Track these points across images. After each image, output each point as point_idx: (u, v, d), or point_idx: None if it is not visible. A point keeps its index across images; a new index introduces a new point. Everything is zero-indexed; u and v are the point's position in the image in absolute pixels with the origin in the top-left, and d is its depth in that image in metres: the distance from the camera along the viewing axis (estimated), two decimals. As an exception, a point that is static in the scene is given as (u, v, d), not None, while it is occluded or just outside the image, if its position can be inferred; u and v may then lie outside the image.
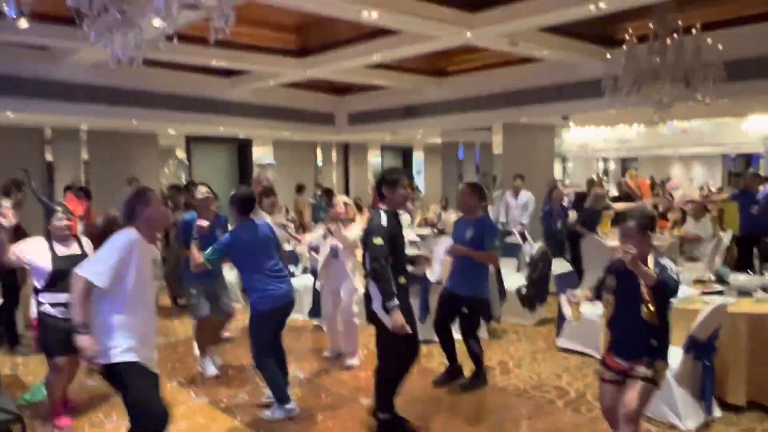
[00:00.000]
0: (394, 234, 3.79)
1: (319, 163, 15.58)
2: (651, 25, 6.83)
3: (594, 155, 23.53)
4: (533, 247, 7.67)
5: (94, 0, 2.85)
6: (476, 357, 4.82)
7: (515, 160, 11.11)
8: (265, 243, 4.27)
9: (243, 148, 14.27)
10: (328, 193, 11.48)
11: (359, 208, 5.81)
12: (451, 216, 8.53)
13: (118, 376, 2.91)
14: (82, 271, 2.83)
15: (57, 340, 4.01)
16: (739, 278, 5.01)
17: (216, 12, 2.94)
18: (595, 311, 5.32)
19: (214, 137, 13.36)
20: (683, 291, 4.80)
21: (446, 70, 11.00)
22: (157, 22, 3.42)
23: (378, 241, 3.69)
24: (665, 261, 3.04)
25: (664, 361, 3.11)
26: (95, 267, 2.85)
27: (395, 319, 3.64)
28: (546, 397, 4.63)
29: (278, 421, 4.23)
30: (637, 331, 3.06)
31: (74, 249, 4.23)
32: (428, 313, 5.51)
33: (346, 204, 5.49)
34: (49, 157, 10.83)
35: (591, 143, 17.51)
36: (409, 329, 3.68)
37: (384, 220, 3.79)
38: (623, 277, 3.06)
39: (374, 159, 17.77)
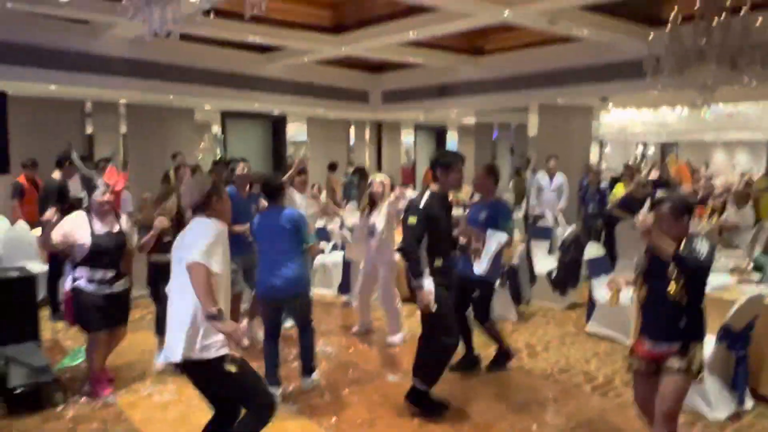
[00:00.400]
0: (434, 215, 3.74)
1: (352, 141, 15.58)
2: (697, 4, 6.59)
3: (633, 140, 23.01)
4: (566, 231, 7.58)
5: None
6: (496, 337, 4.81)
7: (551, 143, 10.91)
8: (275, 233, 4.23)
9: (277, 125, 14.34)
10: (361, 172, 11.48)
11: (392, 187, 5.80)
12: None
13: (216, 370, 2.79)
14: (198, 258, 2.68)
15: (93, 315, 4.14)
16: (778, 268, 4.87)
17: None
18: (626, 296, 5.25)
19: (249, 113, 13.44)
20: (719, 279, 4.70)
21: (482, 48, 10.82)
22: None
23: (412, 220, 3.68)
24: (697, 241, 2.90)
25: (700, 343, 2.99)
26: (208, 254, 2.72)
27: (420, 298, 3.66)
28: (573, 381, 4.61)
29: None
30: (667, 312, 2.97)
31: (113, 226, 4.27)
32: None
33: (382, 182, 5.50)
34: (89, 129, 11.07)
35: (630, 127, 17.08)
36: (432, 307, 3.67)
37: (424, 200, 3.76)
38: (654, 256, 3.01)
39: (407, 138, 17.69)
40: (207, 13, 4.47)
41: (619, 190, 8.96)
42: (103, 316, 4.20)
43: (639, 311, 3.21)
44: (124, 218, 4.44)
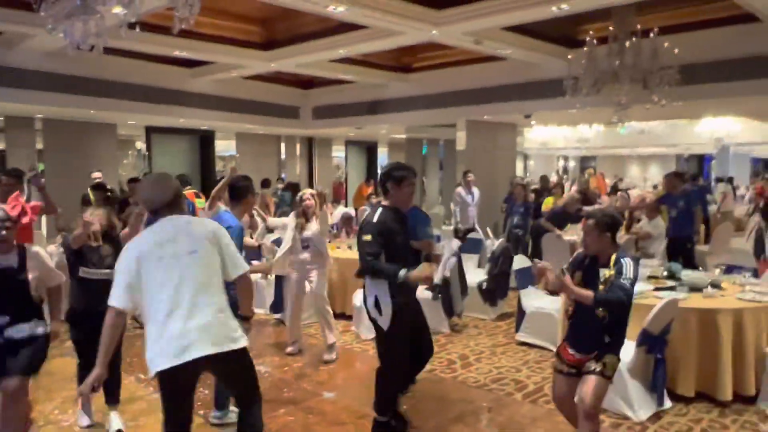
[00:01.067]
0: (389, 230, 3.63)
1: (283, 156, 15.47)
2: (611, 27, 7.02)
3: (555, 153, 24.05)
4: (494, 243, 7.79)
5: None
6: None
7: (478, 157, 11.24)
8: None
9: (205, 140, 14.05)
10: (293, 188, 11.40)
11: (323, 201, 5.81)
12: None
13: (247, 357, 2.89)
14: (246, 267, 2.93)
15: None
16: (690, 275, 5.21)
17: (181, 1, 2.90)
18: (553, 305, 5.46)
19: (175, 128, 13.11)
20: (637, 286, 4.97)
21: (411, 66, 11.06)
22: (118, 9, 3.34)
23: (366, 237, 3.58)
24: (625, 261, 3.09)
25: (615, 356, 3.20)
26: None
27: (413, 278, 3.52)
28: (505, 390, 4.73)
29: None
30: (593, 327, 3.16)
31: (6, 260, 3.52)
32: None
33: (313, 194, 5.57)
34: (1, 145, 10.48)
35: (552, 142, 17.85)
36: (433, 276, 3.55)
37: (377, 216, 3.67)
38: (586, 272, 3.18)
39: (338, 153, 17.75)
40: (132, 26, 4.32)
41: (549, 203, 9.34)
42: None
43: (565, 322, 3.37)
44: (36, 250, 3.73)
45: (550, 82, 8.76)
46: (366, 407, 4.02)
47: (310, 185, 15.03)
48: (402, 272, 3.45)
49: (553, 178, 15.98)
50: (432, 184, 18.00)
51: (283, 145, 15.41)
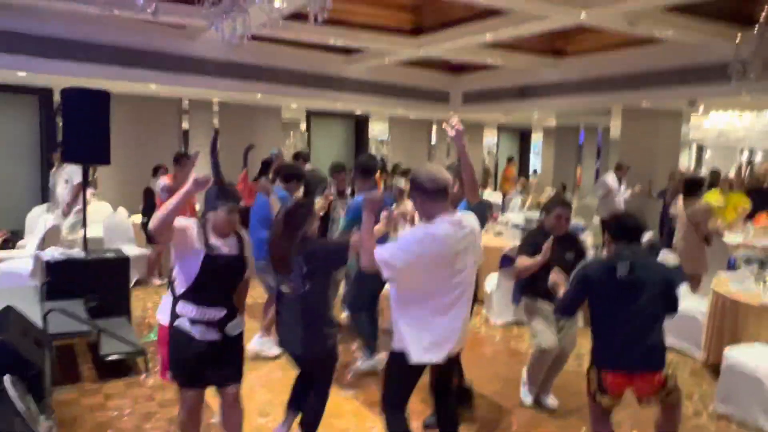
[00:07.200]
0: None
1: (434, 141, 15.73)
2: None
3: (736, 144, 21.57)
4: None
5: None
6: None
7: (635, 147, 10.60)
8: None
9: (360, 124, 14.77)
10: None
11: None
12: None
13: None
14: None
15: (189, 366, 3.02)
16: None
17: (312, 3, 3.21)
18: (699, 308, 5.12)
19: (333, 112, 13.95)
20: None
21: (564, 50, 10.66)
22: (266, 8, 3.74)
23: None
24: None
25: None
26: None
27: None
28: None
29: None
30: None
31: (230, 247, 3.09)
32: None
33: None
34: (185, 125, 11.94)
35: (730, 131, 16.08)
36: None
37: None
38: None
39: (490, 139, 17.62)
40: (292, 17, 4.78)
41: (713, 197, 8.48)
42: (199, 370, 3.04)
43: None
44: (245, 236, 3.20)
45: (716, 66, 7.99)
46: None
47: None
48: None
49: (732, 173, 14.45)
50: (588, 174, 17.20)
51: (435, 129, 15.67)
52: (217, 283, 2.92)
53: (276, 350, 4.82)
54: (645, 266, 3.09)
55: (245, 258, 3.06)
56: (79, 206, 6.35)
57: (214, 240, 2.94)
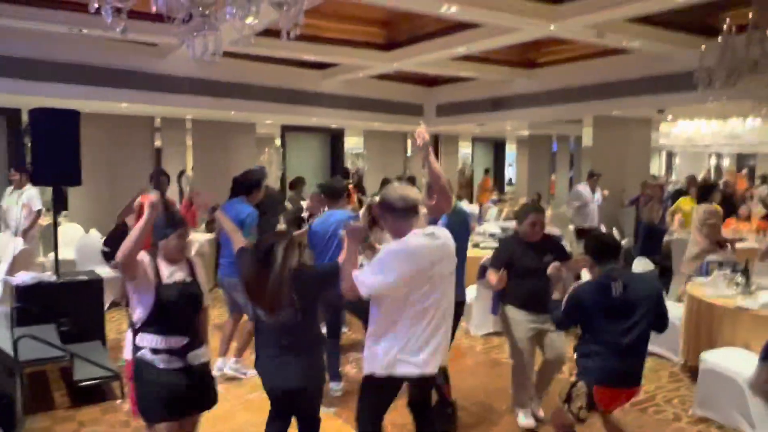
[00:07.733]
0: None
1: (409, 152, 15.79)
2: (750, 14, 6.42)
3: (705, 150, 22.03)
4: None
5: (177, 7, 3.18)
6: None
7: (606, 154, 10.77)
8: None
9: (335, 138, 14.78)
10: (411, 180, 11.64)
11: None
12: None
13: None
14: None
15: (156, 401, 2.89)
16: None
17: (283, 19, 3.19)
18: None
19: (308, 127, 13.93)
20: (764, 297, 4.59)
21: (535, 61, 10.82)
22: (237, 25, 3.71)
23: None
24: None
25: None
26: None
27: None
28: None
29: None
30: None
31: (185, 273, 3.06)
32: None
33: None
34: (158, 143, 11.81)
35: (698, 138, 16.45)
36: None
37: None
38: None
39: (464, 150, 17.75)
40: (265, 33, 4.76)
41: (685, 204, 8.66)
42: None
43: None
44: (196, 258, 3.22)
45: (682, 75, 8.16)
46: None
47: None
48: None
49: (701, 177, 14.79)
50: (562, 183, 17.44)
51: (409, 142, 15.74)
52: (174, 311, 2.88)
53: (251, 371, 4.74)
54: (635, 283, 3.17)
55: (199, 283, 3.04)
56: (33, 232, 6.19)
57: (165, 268, 2.92)
